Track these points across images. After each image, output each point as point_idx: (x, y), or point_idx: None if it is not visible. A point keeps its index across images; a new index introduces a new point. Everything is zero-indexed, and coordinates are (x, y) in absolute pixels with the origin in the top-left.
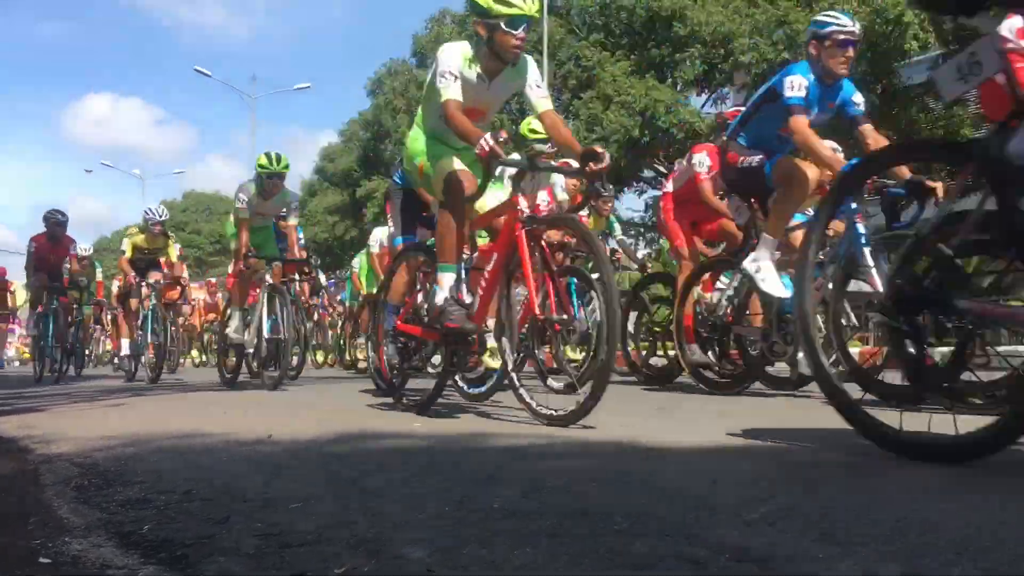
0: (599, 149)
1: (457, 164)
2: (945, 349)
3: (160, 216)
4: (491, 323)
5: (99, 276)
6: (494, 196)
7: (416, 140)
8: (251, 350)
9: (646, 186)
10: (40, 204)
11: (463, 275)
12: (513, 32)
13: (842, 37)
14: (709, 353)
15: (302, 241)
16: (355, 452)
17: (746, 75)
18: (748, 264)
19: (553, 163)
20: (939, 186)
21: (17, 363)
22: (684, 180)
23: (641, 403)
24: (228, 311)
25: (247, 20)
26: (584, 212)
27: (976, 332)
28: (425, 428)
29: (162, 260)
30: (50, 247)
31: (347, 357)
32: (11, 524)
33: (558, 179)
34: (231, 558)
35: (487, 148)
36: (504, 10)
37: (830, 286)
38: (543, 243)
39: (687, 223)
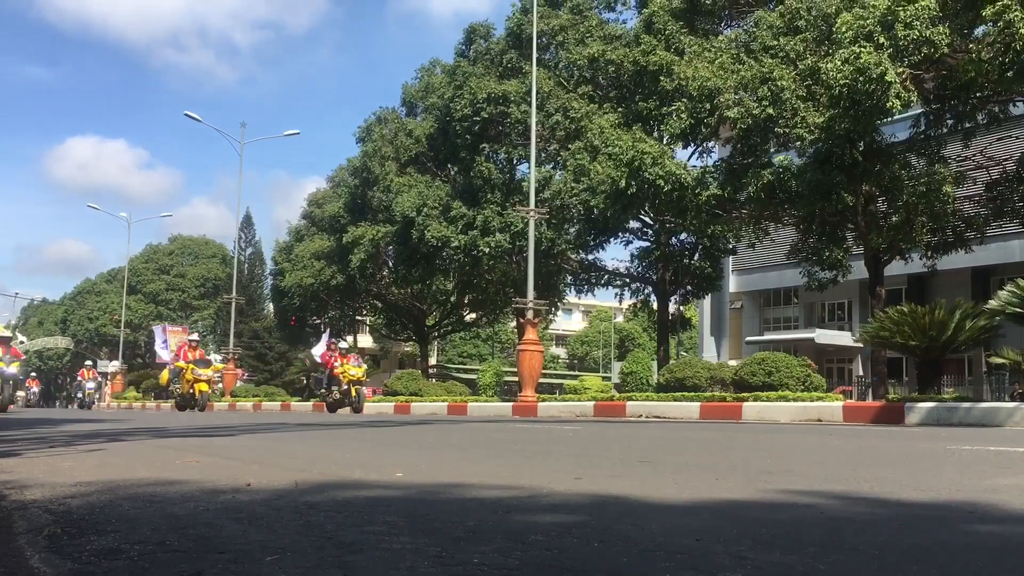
0: None
1: None
2: None
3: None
4: None
5: None
6: None
7: None
8: None
9: (632, 237)
10: (23, 245)
11: None
12: None
13: None
14: None
15: None
16: (333, 503)
17: (731, 129)
18: None
19: None
20: None
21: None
22: None
23: (625, 454)
24: None
25: (235, 65)
26: None
27: None
28: (407, 479)
29: None
30: None
31: None
32: None
33: None
34: None
35: None
36: None
37: None
38: None
39: None
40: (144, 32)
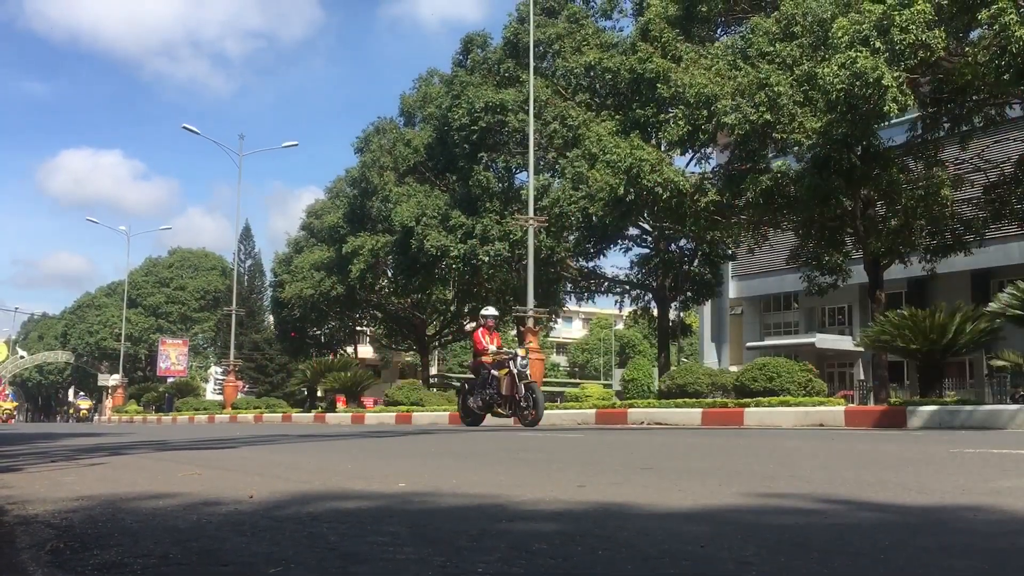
0: None
1: None
2: None
3: None
4: None
5: None
6: None
7: None
8: None
9: (631, 244)
10: (19, 259)
11: None
12: None
13: None
14: None
15: None
16: (336, 514)
17: (728, 135)
18: None
19: None
20: None
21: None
22: None
23: (628, 461)
24: None
25: (229, 75)
26: None
27: None
28: (409, 489)
29: None
30: None
31: None
32: None
33: None
34: None
35: None
36: None
37: None
38: None
39: None
40: (136, 43)
